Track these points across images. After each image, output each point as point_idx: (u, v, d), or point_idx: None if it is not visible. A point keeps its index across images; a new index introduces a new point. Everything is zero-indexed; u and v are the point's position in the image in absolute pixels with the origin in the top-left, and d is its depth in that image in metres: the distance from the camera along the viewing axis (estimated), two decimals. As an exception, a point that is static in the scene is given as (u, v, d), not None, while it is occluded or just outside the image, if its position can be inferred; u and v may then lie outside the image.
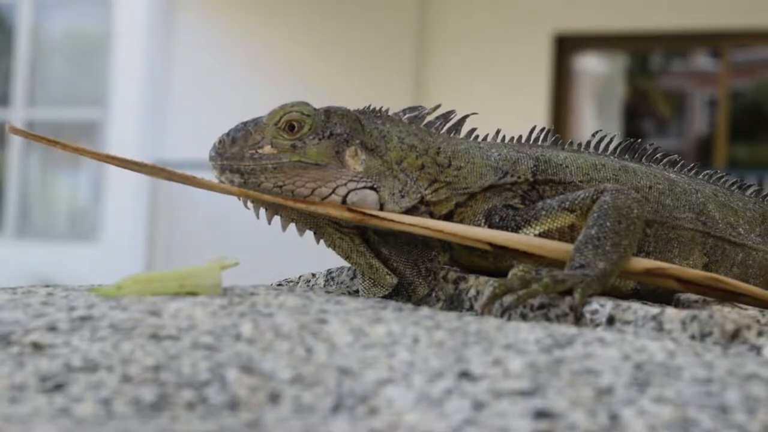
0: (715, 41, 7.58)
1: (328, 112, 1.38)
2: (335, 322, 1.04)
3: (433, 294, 1.37)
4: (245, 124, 1.37)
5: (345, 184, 1.34)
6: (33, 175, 9.17)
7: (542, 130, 1.52)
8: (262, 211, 1.37)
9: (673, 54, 10.45)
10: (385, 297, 1.38)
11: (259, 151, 1.34)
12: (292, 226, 1.39)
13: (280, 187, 1.33)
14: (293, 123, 1.35)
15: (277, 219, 1.38)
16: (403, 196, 1.37)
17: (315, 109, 1.37)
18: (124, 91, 8.17)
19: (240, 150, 1.34)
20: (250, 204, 1.37)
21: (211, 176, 1.39)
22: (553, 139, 1.51)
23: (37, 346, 0.94)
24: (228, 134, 1.36)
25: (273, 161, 1.33)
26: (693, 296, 1.33)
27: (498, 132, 1.51)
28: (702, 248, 1.47)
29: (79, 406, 0.81)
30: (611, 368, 0.90)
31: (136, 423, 0.77)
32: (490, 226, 1.38)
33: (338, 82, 7.32)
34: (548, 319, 1.20)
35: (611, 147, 1.53)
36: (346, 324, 1.03)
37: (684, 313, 1.15)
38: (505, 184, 1.42)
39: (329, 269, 1.57)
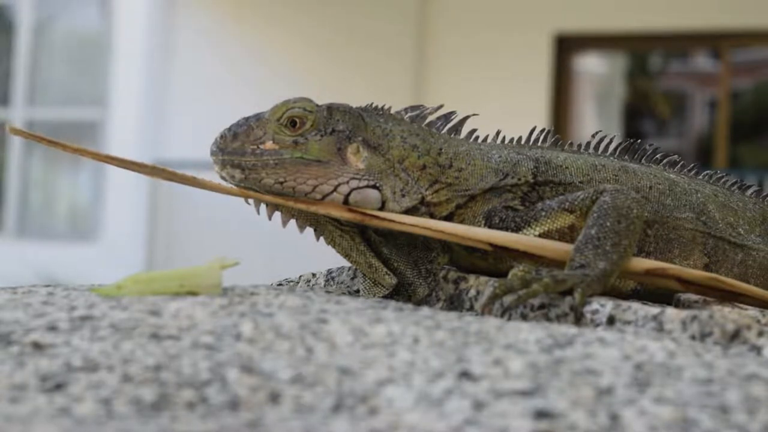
0: (715, 41, 7.58)
1: (331, 108, 1.38)
2: (335, 322, 1.04)
3: (434, 294, 1.37)
4: (247, 119, 1.37)
5: (347, 182, 1.34)
6: (33, 175, 9.17)
7: (542, 131, 1.52)
8: (263, 207, 1.37)
9: (673, 54, 10.45)
10: (385, 297, 1.38)
11: (261, 146, 1.34)
12: (293, 223, 1.39)
13: (281, 183, 1.33)
14: (295, 119, 1.35)
15: (277, 215, 1.38)
16: (404, 196, 1.37)
17: (317, 105, 1.37)
18: (124, 91, 8.17)
19: (241, 145, 1.34)
20: (250, 199, 1.37)
21: (211, 176, 1.39)
22: (552, 140, 1.51)
23: (37, 346, 0.94)
24: (230, 129, 1.35)
25: (274, 157, 1.33)
26: (693, 296, 1.33)
27: (498, 133, 1.51)
28: (702, 248, 1.47)
29: (79, 406, 0.81)
30: (611, 368, 0.90)
31: (137, 423, 0.77)
32: (490, 227, 1.38)
33: (338, 82, 7.32)
34: (548, 319, 1.20)
35: (611, 147, 1.53)
36: (347, 324, 1.04)
37: (684, 314, 1.15)
38: (505, 186, 1.42)
39: (329, 269, 1.57)
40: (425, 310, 1.19)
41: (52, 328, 0.99)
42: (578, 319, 1.19)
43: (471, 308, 1.32)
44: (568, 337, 1.02)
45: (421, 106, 1.47)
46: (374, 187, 1.35)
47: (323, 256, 1.75)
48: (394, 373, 0.89)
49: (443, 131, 1.46)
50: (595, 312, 1.20)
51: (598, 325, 1.18)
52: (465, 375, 0.88)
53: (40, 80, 8.96)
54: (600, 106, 9.38)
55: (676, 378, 0.89)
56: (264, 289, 1.25)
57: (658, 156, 1.55)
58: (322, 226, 1.39)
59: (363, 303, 1.19)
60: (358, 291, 1.45)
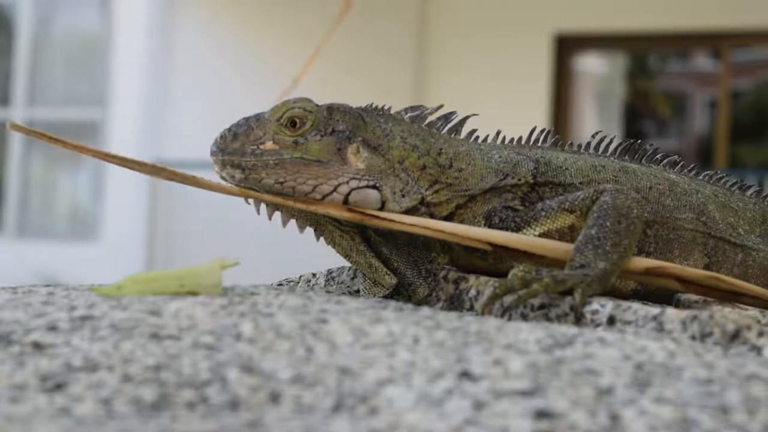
0: (715, 41, 7.58)
1: (331, 108, 1.38)
2: (336, 321, 1.04)
3: (434, 294, 1.37)
4: (247, 119, 1.37)
5: (347, 182, 1.34)
6: (33, 175, 9.17)
7: (542, 131, 1.52)
8: (263, 207, 1.37)
9: (673, 54, 10.46)
10: (385, 297, 1.38)
11: (261, 146, 1.34)
12: (293, 223, 1.39)
13: (281, 183, 1.33)
14: (295, 119, 1.35)
15: (277, 215, 1.38)
16: (404, 196, 1.37)
17: (317, 105, 1.38)
18: (124, 91, 8.17)
19: (241, 145, 1.34)
20: (250, 199, 1.37)
21: (211, 176, 1.39)
22: (553, 140, 1.51)
23: (37, 346, 0.94)
24: (230, 129, 1.36)
25: (274, 157, 1.33)
26: (693, 296, 1.33)
27: (498, 133, 1.51)
28: (703, 249, 1.47)
29: (79, 406, 0.81)
30: (612, 368, 0.90)
31: (137, 423, 0.77)
32: (490, 227, 1.38)
33: (338, 82, 7.32)
34: (549, 319, 1.20)
35: (611, 148, 1.53)
36: (347, 324, 1.04)
37: (684, 314, 1.15)
38: (505, 186, 1.42)
39: (329, 269, 1.57)
40: (425, 310, 1.19)
41: (52, 328, 0.99)
42: (578, 319, 1.19)
43: (471, 308, 1.32)
44: (568, 337, 1.02)
45: (421, 106, 1.47)
46: (374, 187, 1.35)
47: (323, 256, 1.75)
48: (394, 373, 0.89)
49: (443, 131, 1.46)
50: (595, 312, 1.20)
51: (598, 325, 1.18)
52: (465, 375, 0.88)
53: (40, 80, 8.96)
54: (600, 106, 9.38)
55: (676, 378, 0.89)
56: (264, 289, 1.25)
57: (658, 156, 1.55)
58: (322, 226, 1.39)
59: (363, 303, 1.19)
60: (358, 291, 1.45)
